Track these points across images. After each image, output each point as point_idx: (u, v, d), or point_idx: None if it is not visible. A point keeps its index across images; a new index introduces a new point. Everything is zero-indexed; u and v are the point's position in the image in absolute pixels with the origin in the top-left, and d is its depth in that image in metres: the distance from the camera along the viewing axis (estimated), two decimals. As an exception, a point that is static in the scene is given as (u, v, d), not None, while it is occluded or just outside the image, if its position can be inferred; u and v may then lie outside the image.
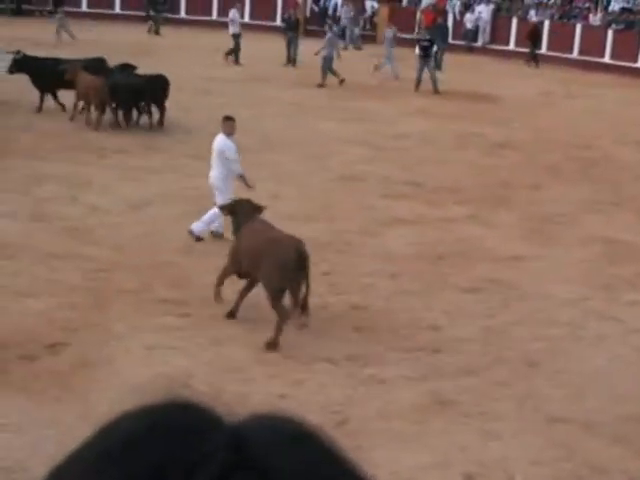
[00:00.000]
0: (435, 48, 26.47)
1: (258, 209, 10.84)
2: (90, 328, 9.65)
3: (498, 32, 34.54)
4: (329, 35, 27.09)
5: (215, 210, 12.19)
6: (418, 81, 25.71)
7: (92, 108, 18.75)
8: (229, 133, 12.77)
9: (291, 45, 29.07)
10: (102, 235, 12.57)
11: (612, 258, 12.79)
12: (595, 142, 20.15)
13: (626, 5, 33.72)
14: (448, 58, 30.47)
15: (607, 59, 32.12)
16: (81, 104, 19.15)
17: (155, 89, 19.04)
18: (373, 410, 8.30)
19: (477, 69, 28.70)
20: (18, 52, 19.92)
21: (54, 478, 0.76)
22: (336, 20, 34.68)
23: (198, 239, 12.58)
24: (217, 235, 12.75)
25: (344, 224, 13.67)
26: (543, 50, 33.34)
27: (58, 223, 12.95)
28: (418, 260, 12.37)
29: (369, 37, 35.94)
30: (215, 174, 12.76)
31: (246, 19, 37.12)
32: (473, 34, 35.17)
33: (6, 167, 15.59)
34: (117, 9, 37.85)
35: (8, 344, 9.11)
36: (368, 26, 36.26)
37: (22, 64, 19.69)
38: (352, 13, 35.15)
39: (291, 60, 28.87)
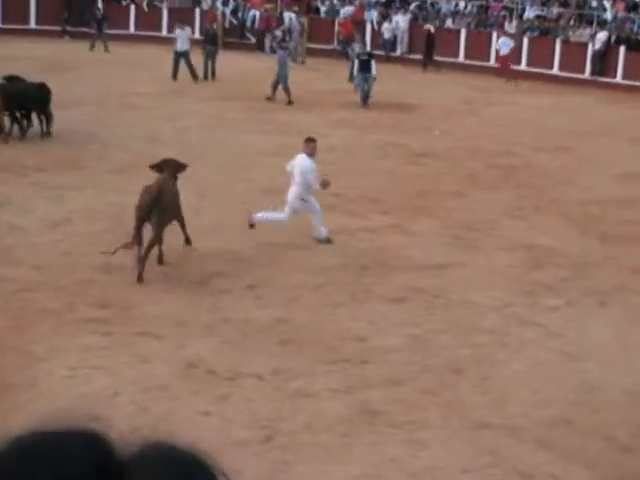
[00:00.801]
0: (374, 62, 25.86)
1: (181, 167, 12.92)
2: (11, 351, 9.48)
3: (415, 42, 34.83)
4: (281, 53, 26.42)
5: (280, 217, 13.25)
6: (365, 96, 25.28)
7: None
8: (310, 154, 13.28)
9: (209, 59, 28.88)
10: (22, 255, 12.37)
11: (534, 263, 12.96)
12: (515, 149, 20.41)
13: (540, 13, 34.27)
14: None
15: (523, 66, 32.59)
16: None
17: (39, 97, 19.11)
18: (300, 424, 8.28)
19: (396, 79, 28.89)
20: None
21: None
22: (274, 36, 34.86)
23: (252, 226, 13.30)
24: (321, 241, 13.24)
25: (268, 236, 13.63)
26: (461, 58, 33.72)
27: (-24, 243, 12.73)
28: (342, 271, 12.40)
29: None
30: (294, 191, 13.38)
31: (164, 33, 36.95)
32: (391, 44, 35.42)
33: None
34: (32, 24, 37.35)
35: None
36: (288, 38, 36.31)
37: None
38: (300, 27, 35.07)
39: (210, 73, 28.68)
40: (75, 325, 10.16)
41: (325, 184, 13.46)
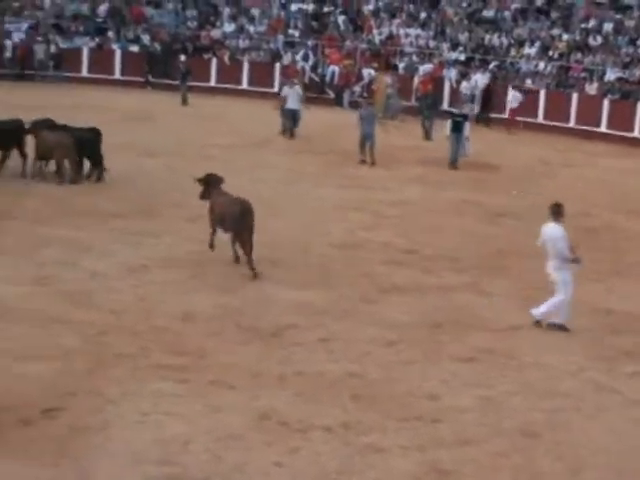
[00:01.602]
0: (468, 124, 25.66)
1: (221, 180, 15.25)
2: (86, 393, 9.62)
3: (494, 100, 34.79)
4: (369, 110, 25.53)
5: (559, 298, 12.55)
6: (455, 158, 24.75)
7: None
8: (558, 220, 12.60)
9: (284, 114, 28.88)
10: (100, 299, 12.58)
11: (612, 328, 12.80)
12: (594, 210, 20.23)
13: (622, 75, 34.08)
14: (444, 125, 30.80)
15: (603, 128, 32.36)
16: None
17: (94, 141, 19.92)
18: (371, 480, 8.25)
19: (474, 137, 28.88)
20: None
21: None
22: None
23: (537, 323, 12.66)
24: (554, 326, 12.66)
25: (342, 291, 13.69)
26: (540, 119, 33.61)
27: (58, 287, 12.98)
28: (415, 328, 12.37)
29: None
30: (551, 265, 12.68)
31: (244, 86, 37.50)
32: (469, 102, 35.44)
33: (8, 231, 15.66)
34: (117, 75, 38.16)
35: (4, 408, 9.07)
36: (365, 93, 36.55)
37: None
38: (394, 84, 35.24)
39: (288, 130, 28.69)
40: (149, 371, 10.28)
41: (576, 260, 12.69)
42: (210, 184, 15.19)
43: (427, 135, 29.45)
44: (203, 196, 15.22)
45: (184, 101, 33.88)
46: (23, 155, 20.06)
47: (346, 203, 19.49)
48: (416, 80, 35.67)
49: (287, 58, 38.12)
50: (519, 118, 33.12)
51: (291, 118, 28.29)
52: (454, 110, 25.98)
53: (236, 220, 14.33)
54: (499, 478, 8.46)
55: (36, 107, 25.00)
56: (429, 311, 13.07)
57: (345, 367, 10.84)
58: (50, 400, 9.36)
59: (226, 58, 38.05)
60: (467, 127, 25.28)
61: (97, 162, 20.03)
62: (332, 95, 36.85)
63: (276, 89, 33.96)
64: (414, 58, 37.41)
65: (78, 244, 15.10)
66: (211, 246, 14.66)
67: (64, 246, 14.93)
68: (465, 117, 25.38)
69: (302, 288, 13.65)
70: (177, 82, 35.10)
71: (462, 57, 37.19)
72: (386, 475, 8.38)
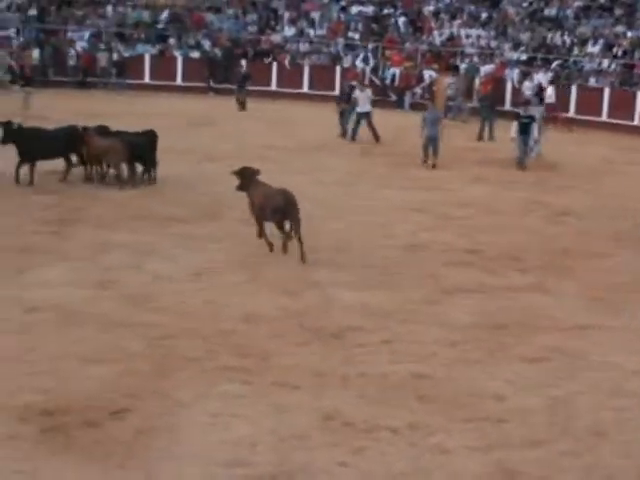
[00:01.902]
0: (536, 126, 25.00)
1: (257, 172, 15.74)
2: (153, 395, 9.69)
3: (557, 100, 34.45)
4: (427, 113, 24.71)
5: None
6: (521, 160, 24.42)
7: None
8: None
9: (344, 117, 28.84)
10: (166, 302, 12.68)
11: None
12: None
13: (687, 72, 33.58)
14: (507, 125, 30.58)
15: (667, 127, 31.93)
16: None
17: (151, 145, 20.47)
18: (438, 480, 8.21)
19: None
20: (9, 122, 20.04)
21: None
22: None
23: None
24: None
25: (405, 292, 13.64)
26: (604, 117, 33.23)
27: (122, 291, 13.10)
28: (480, 329, 12.29)
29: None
30: None
31: (305, 89, 37.62)
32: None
33: (73, 235, 15.88)
34: (179, 81, 38.46)
35: (72, 410, 9.19)
36: (427, 95, 36.43)
37: (12, 134, 19.75)
38: (457, 86, 35.15)
39: (346, 131, 28.67)
40: (216, 373, 10.33)
41: None
42: (246, 176, 15.67)
43: (481, 135, 29.22)
44: (240, 188, 15.72)
45: (242, 106, 34.01)
46: (84, 162, 20.32)
47: (408, 204, 19.43)
48: (477, 81, 35.49)
49: (347, 61, 38.15)
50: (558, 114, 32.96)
51: (361, 120, 28.19)
52: (521, 111, 25.48)
53: (279, 210, 14.81)
54: (568, 478, 8.36)
55: (98, 115, 25.32)
56: (494, 311, 12.97)
57: (409, 368, 10.79)
58: (116, 402, 9.45)
59: (286, 62, 38.18)
60: (535, 129, 24.98)
61: (152, 165, 20.45)
62: (393, 97, 36.79)
63: (336, 92, 33.94)
64: (475, 59, 37.19)
65: (141, 248, 15.24)
66: (269, 245, 15.14)
67: (127, 250, 15.08)
68: (532, 118, 24.95)
69: (364, 289, 13.63)
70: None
71: (524, 57, 36.90)
72: (453, 476, 8.33)
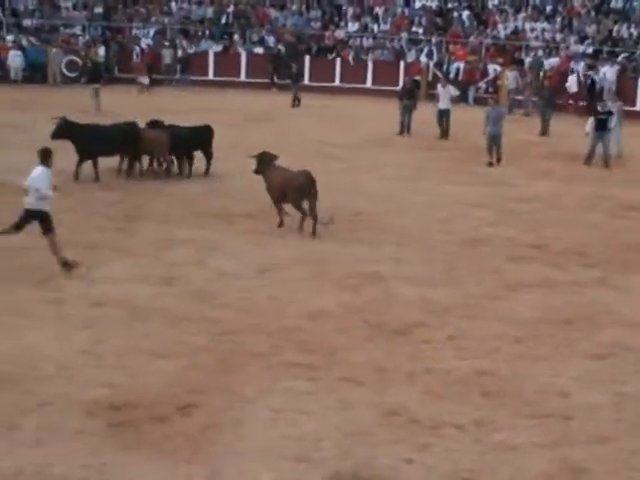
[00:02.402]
0: (614, 120, 24.48)
1: (275, 157, 16.84)
2: (219, 390, 9.77)
3: (623, 93, 34.03)
4: (490, 110, 24.04)
5: None
6: (590, 155, 24.05)
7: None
8: None
9: (406, 113, 28.63)
10: (230, 298, 12.76)
11: None
12: None
13: None
14: (568, 119, 30.37)
15: None
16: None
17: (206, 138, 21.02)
18: (503, 477, 8.16)
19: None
20: (62, 118, 20.21)
21: None
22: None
23: None
24: None
25: (468, 288, 13.59)
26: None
27: (187, 287, 13.22)
28: (544, 324, 12.20)
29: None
30: None
31: (369, 85, 37.60)
32: (598, 95, 34.74)
33: (139, 231, 16.06)
34: (242, 77, 38.64)
35: (140, 405, 9.29)
36: (491, 89, 36.20)
37: (65, 130, 19.89)
38: (519, 80, 34.98)
39: (406, 128, 28.45)
40: (281, 369, 10.38)
41: None
42: (264, 161, 16.84)
43: (544, 130, 28.95)
44: (257, 171, 16.94)
45: (296, 102, 34.02)
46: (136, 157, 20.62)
47: (470, 199, 19.34)
48: (542, 75, 35.18)
49: (411, 56, 38.05)
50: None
51: (442, 118, 27.99)
52: (599, 107, 24.98)
53: (302, 190, 15.99)
54: (636, 477, 8.27)
55: (164, 111, 25.52)
56: (558, 307, 12.87)
57: (474, 364, 10.75)
58: (183, 397, 9.54)
59: (350, 58, 38.19)
60: (615, 123, 24.48)
61: (208, 156, 21.05)
62: (457, 92, 36.64)
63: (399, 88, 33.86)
64: (540, 52, 36.87)
65: (205, 244, 15.36)
66: (281, 223, 16.50)
67: (192, 246, 15.21)
68: (610, 114, 24.47)
69: (427, 285, 13.60)
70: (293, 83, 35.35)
71: (590, 50, 36.49)
72: (519, 473, 8.28)
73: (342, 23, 40.18)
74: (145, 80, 36.20)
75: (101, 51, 38.08)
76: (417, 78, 35.19)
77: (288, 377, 10.15)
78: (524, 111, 33.59)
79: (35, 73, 37.52)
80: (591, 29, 37.13)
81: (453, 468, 8.29)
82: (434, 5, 40.26)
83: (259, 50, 39.09)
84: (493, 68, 36.64)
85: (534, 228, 17.19)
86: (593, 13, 37.91)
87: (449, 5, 40.25)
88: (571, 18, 37.96)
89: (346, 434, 8.85)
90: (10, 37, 38.20)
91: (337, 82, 37.95)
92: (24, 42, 38.00)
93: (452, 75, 37.01)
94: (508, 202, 19.32)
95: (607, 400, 9.84)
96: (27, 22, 39.38)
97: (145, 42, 39.13)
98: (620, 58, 35.78)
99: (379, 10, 40.31)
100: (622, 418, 9.42)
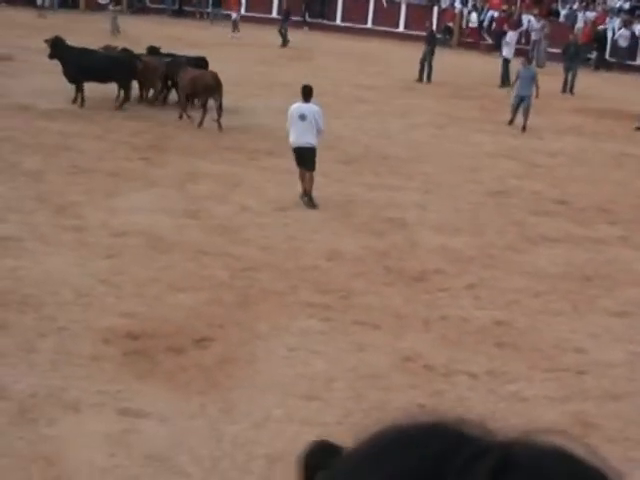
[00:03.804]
0: None
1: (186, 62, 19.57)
2: (235, 325, 9.80)
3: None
4: (522, 70, 22.29)
5: None
6: None
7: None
8: None
9: (426, 59, 28.09)
10: (250, 235, 12.77)
11: None
12: None
13: None
14: (601, 76, 30.02)
15: None
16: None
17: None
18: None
19: (634, 87, 28.01)
20: (53, 38, 19.93)
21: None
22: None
23: None
24: None
25: (491, 238, 13.54)
26: None
27: (209, 221, 13.23)
28: (565, 280, 12.15)
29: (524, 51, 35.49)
30: None
31: (401, 29, 37.24)
32: (627, 52, 34.32)
33: (165, 163, 16.04)
34: (274, 14, 38.35)
35: (158, 335, 9.35)
36: (524, 40, 35.79)
37: (57, 50, 19.76)
38: (546, 29, 34.57)
39: (425, 75, 28.00)
40: (296, 308, 10.40)
41: None
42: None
43: (565, 87, 28.57)
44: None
45: (284, 41, 33.57)
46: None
47: (499, 150, 19.22)
48: (575, 28, 34.77)
49: (445, 2, 37.64)
50: None
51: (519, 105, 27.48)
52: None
53: (209, 87, 18.46)
54: (645, 435, 8.28)
55: (189, 42, 25.40)
56: (580, 263, 12.81)
57: (491, 315, 10.74)
58: (200, 330, 9.58)
59: (384, 0, 37.81)
60: None
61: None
62: (490, 41, 36.26)
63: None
64: (575, 6, 36.41)
65: (229, 179, 15.34)
66: (183, 115, 19.17)
67: (215, 180, 15.20)
68: None
69: (450, 233, 13.56)
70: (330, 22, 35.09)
71: (627, 5, 36.01)
72: (530, 424, 8.25)
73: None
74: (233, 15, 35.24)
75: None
76: (450, 25, 34.83)
77: (304, 316, 10.18)
78: (539, 62, 33.17)
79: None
80: (629, -16, 36.64)
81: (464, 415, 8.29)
82: (472, -49, 39.75)
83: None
84: (527, 19, 36.20)
85: (559, 183, 17.07)
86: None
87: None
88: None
89: (359, 376, 8.87)
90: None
91: (369, 24, 37.63)
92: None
93: (486, 23, 36.62)
94: (535, 155, 19.18)
95: (623, 358, 9.83)
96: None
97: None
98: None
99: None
100: (636, 377, 9.41)
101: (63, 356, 8.75)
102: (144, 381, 8.42)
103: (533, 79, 21.91)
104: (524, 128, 21.69)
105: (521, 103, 21.88)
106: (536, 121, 22.66)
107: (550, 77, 28.81)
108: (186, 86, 18.76)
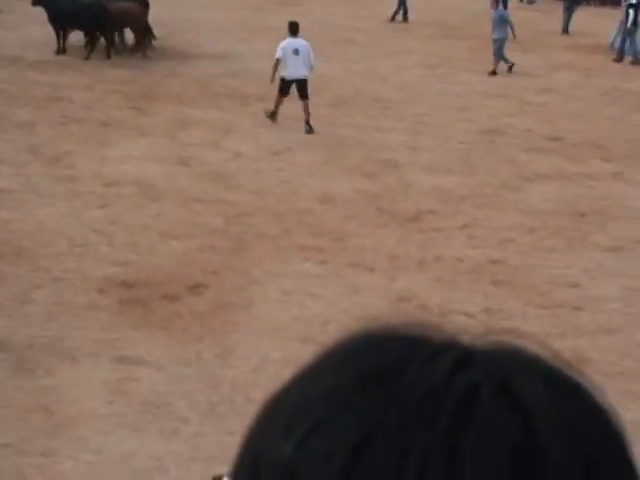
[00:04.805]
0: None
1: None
2: (230, 271, 9.82)
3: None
4: (496, 14, 21.59)
5: None
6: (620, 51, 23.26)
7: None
8: None
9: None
10: (243, 181, 12.73)
11: None
12: None
13: None
14: (592, 11, 29.79)
15: None
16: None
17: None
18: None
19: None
20: None
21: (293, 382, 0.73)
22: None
23: None
24: None
25: (484, 177, 13.52)
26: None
27: (201, 168, 13.18)
28: (559, 216, 12.16)
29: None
30: None
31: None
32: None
33: (155, 112, 15.92)
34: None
35: (152, 283, 9.36)
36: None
37: None
38: None
39: (400, 14, 27.56)
40: (291, 251, 10.41)
41: None
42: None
43: (566, 27, 28.14)
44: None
45: None
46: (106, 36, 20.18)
47: (489, 89, 19.12)
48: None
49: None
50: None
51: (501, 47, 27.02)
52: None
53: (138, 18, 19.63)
54: (638, 367, 8.33)
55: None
56: (573, 199, 12.81)
57: (486, 253, 10.76)
58: (194, 277, 9.59)
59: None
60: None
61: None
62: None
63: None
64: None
65: (221, 126, 15.25)
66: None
67: (207, 127, 15.11)
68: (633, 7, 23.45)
69: (442, 174, 13.53)
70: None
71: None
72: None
73: None
74: None
75: None
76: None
77: (299, 260, 10.19)
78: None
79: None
80: None
81: (461, 354, 8.34)
82: None
83: None
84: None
85: (552, 120, 17.00)
86: None
87: None
88: None
89: (355, 318, 8.89)
90: None
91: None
92: None
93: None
94: (527, 92, 19.08)
95: (617, 293, 9.86)
96: None
97: None
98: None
99: None
100: (630, 311, 9.45)
101: (59, 306, 8.77)
102: (140, 329, 8.45)
103: (504, 21, 21.28)
104: (494, 72, 20.90)
105: (493, 45, 21.25)
106: (527, 59, 22.53)
107: (541, 14, 28.62)
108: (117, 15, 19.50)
